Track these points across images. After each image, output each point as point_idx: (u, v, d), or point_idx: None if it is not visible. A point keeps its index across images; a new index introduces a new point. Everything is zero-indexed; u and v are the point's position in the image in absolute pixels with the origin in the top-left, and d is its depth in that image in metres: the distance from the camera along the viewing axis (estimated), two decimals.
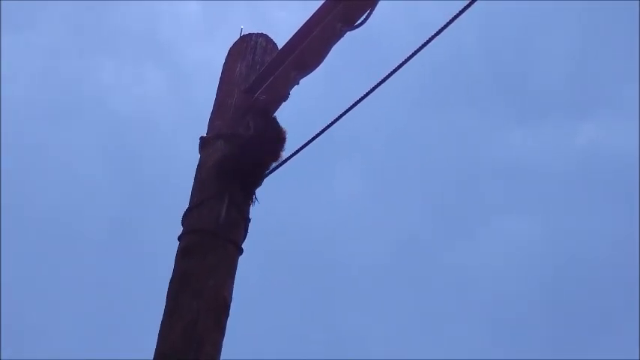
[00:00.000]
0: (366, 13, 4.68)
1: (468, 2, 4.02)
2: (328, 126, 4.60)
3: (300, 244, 22.75)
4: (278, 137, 4.92)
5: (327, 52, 4.84)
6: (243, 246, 4.71)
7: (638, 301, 20.33)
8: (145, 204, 22.87)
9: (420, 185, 24.91)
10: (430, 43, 4.24)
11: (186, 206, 4.80)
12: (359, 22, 4.72)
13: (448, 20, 4.09)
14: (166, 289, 4.51)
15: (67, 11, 24.75)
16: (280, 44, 5.24)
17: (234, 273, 4.60)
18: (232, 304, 4.50)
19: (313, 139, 4.71)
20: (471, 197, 24.50)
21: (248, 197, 4.85)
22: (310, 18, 4.90)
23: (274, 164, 4.90)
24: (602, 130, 25.17)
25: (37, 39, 24.45)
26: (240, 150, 4.84)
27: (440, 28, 4.12)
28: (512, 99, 25.94)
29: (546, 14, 25.18)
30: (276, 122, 4.99)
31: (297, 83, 4.94)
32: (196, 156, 5.08)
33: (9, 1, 21.79)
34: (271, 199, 5.00)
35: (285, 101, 4.95)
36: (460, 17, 4.08)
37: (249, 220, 4.79)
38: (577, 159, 24.75)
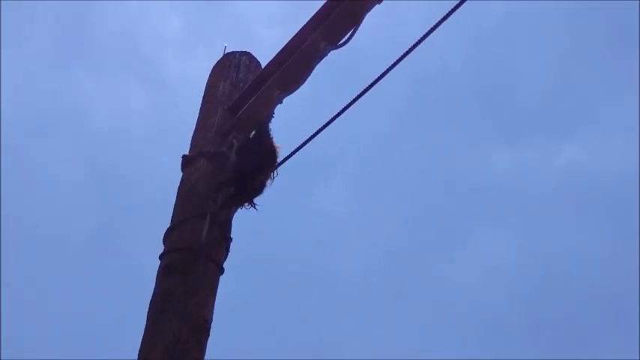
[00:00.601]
0: (350, 32, 4.67)
1: (444, 15, 4.01)
2: (311, 137, 4.54)
3: (286, 257, 22.76)
4: (272, 149, 4.87)
5: (311, 71, 4.82)
6: (224, 265, 4.67)
7: (617, 316, 20.48)
8: (125, 220, 22.78)
9: (403, 200, 24.97)
10: (416, 61, 4.22)
11: (168, 224, 4.76)
12: (343, 41, 4.71)
13: (425, 33, 4.07)
14: (147, 308, 4.46)
15: (49, 24, 24.70)
16: (264, 62, 5.22)
17: (215, 292, 4.56)
18: (217, 320, 4.47)
19: (297, 149, 4.64)
20: (453, 213, 24.57)
21: (230, 216, 4.82)
22: (294, 37, 4.89)
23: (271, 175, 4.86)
24: (583, 150, 25.33)
25: (19, 52, 24.34)
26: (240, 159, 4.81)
27: (416, 41, 4.11)
28: (495, 117, 26.10)
29: (529, 35, 25.38)
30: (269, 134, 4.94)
31: (281, 102, 4.91)
32: (178, 172, 5.05)
33: None
34: (257, 212, 4.96)
35: (269, 121, 4.91)
36: (446, 36, 4.08)
37: (230, 239, 4.76)
38: (558, 178, 24.90)
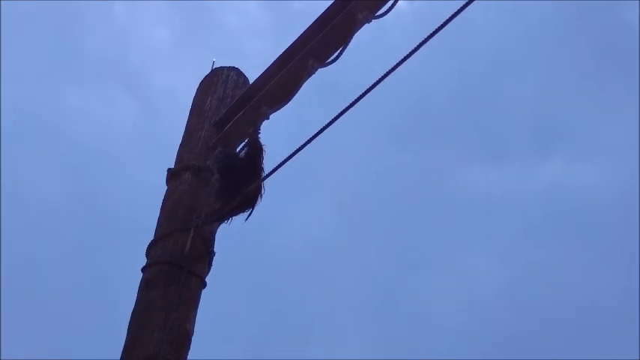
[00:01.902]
0: (338, 51, 4.69)
1: (429, 34, 4.03)
2: (294, 153, 4.50)
3: (267, 272, 22.67)
4: (259, 166, 4.86)
5: (299, 88, 4.82)
6: (206, 279, 4.67)
7: (601, 336, 20.55)
8: (108, 232, 22.68)
9: (386, 218, 25.00)
10: (402, 79, 4.24)
11: (151, 237, 4.76)
12: (331, 59, 4.72)
13: (409, 51, 4.09)
14: (128, 321, 4.46)
15: (36, 35, 24.63)
16: (251, 73, 5.24)
17: (197, 306, 4.56)
18: (196, 336, 4.46)
19: (280, 165, 4.61)
20: (435, 232, 24.62)
21: (214, 231, 4.82)
22: (282, 53, 4.91)
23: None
24: (566, 170, 25.46)
25: (4, 63, 24.24)
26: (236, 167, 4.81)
27: (400, 60, 4.12)
28: (479, 136, 26.23)
29: (514, 56, 25.57)
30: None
31: (267, 118, 4.92)
32: (162, 184, 5.05)
33: None
34: (239, 230, 4.97)
35: (257, 137, 4.90)
36: (432, 55, 4.10)
37: (213, 253, 4.76)
38: (540, 197, 24.99)
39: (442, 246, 24.57)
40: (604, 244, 23.32)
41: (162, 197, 4.98)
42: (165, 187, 5.02)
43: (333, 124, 4.32)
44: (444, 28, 3.94)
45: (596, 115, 25.03)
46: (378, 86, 4.18)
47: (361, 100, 4.25)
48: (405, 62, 4.08)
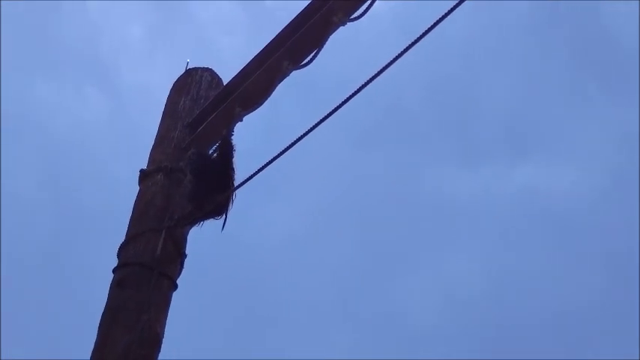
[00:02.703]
0: (313, 53, 4.68)
1: (410, 43, 4.02)
2: (270, 161, 4.51)
3: (237, 274, 22.63)
4: (230, 169, 4.84)
5: (273, 90, 4.81)
6: (178, 281, 4.65)
7: (573, 337, 20.71)
8: (79, 231, 22.54)
9: (358, 219, 25.03)
10: (376, 81, 4.22)
11: (122, 231, 4.74)
12: (306, 61, 4.72)
13: (388, 62, 4.08)
14: (98, 321, 4.43)
15: (8, 28, 24.41)
16: (223, 69, 5.22)
17: (168, 308, 4.54)
18: (166, 339, 4.43)
19: (257, 172, 4.59)
20: (411, 235, 24.68)
21: (186, 233, 4.79)
22: (257, 55, 4.90)
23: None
24: (538, 173, 25.63)
25: None
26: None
27: (379, 70, 4.11)
28: (453, 139, 26.33)
29: (489, 59, 25.70)
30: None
31: (241, 120, 4.89)
32: (133, 182, 5.02)
33: None
34: (210, 234, 4.95)
35: (230, 138, 4.87)
36: (407, 57, 4.09)
37: (185, 255, 4.74)
38: (513, 200, 25.13)
39: (416, 247, 24.68)
40: (577, 246, 23.52)
41: (131, 190, 4.96)
42: (137, 185, 4.99)
43: (306, 126, 4.32)
44: (418, 29, 3.94)
45: (571, 118, 25.26)
46: (349, 86, 4.18)
47: (332, 101, 4.24)
48: (377, 63, 4.08)
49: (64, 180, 24.07)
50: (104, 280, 4.68)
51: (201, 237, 4.87)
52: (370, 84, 4.15)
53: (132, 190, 5.05)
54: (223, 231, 4.82)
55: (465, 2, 3.80)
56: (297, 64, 4.72)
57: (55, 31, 25.72)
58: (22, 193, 23.29)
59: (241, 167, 4.82)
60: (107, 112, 25.99)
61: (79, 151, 24.73)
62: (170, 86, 5.48)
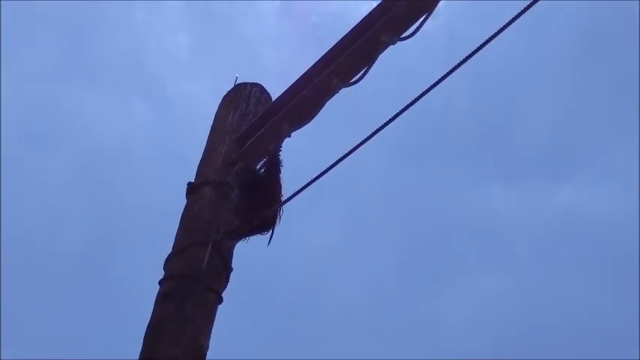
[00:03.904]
0: (363, 71, 4.69)
1: (460, 61, 4.03)
2: (318, 177, 4.50)
3: (277, 289, 22.64)
4: (278, 185, 4.87)
5: (321, 107, 4.83)
6: (223, 295, 4.67)
7: None
8: (121, 240, 22.69)
9: (397, 235, 24.95)
10: (420, 100, 4.23)
11: (162, 247, 4.78)
12: (355, 79, 4.73)
13: (434, 82, 4.09)
14: (143, 333, 4.46)
15: (55, 38, 24.75)
16: (269, 85, 5.26)
17: (213, 321, 4.55)
18: (210, 353, 4.45)
19: (303, 188, 4.60)
20: (448, 252, 24.57)
21: (232, 246, 4.82)
22: (306, 71, 4.92)
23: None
24: (580, 193, 25.40)
25: (23, 65, 24.37)
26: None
27: (429, 86, 4.12)
28: (494, 158, 26.20)
29: (531, 79, 25.55)
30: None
31: (289, 136, 4.92)
32: (175, 192, 5.06)
33: None
34: (253, 246, 4.97)
35: (278, 154, 4.90)
36: (450, 77, 4.09)
37: (231, 269, 4.76)
38: (553, 220, 24.92)
39: (454, 264, 24.55)
40: (616, 267, 23.24)
41: (173, 201, 4.99)
42: (180, 196, 5.05)
43: (352, 143, 4.33)
44: (462, 46, 3.95)
45: (614, 138, 24.98)
46: (394, 103, 4.19)
47: (377, 117, 4.25)
48: (424, 81, 4.10)
49: (107, 190, 24.27)
50: (143, 290, 4.71)
51: (243, 250, 4.90)
52: (418, 103, 4.16)
53: (174, 200, 5.10)
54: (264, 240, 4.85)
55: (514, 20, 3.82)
56: (346, 81, 4.73)
57: (100, 41, 25.98)
58: (65, 203, 23.53)
59: (288, 183, 4.85)
60: (151, 123, 26.20)
61: (122, 159, 24.95)
62: (214, 97, 5.52)
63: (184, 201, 5.01)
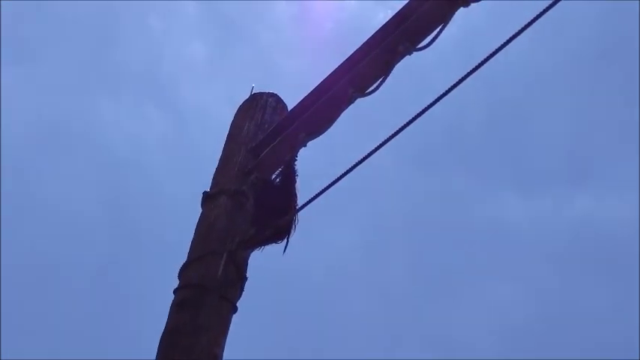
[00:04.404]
0: (379, 81, 4.69)
1: (473, 67, 4.02)
2: (332, 183, 4.50)
3: (293, 300, 22.63)
4: (294, 193, 4.87)
5: (338, 116, 4.82)
6: (238, 304, 4.67)
7: None
8: (136, 249, 22.75)
9: (412, 243, 24.91)
10: (435, 106, 4.22)
11: (177, 256, 4.77)
12: (371, 89, 4.73)
13: (448, 87, 4.10)
14: (157, 342, 4.46)
15: (70, 47, 24.87)
16: (285, 93, 5.26)
17: (227, 331, 4.55)
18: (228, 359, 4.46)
19: (317, 196, 4.60)
20: (463, 259, 24.49)
21: (247, 256, 4.82)
22: (323, 81, 4.91)
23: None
24: (596, 202, 25.28)
25: (38, 74, 24.51)
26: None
27: (443, 92, 4.12)
28: (510, 166, 26.13)
29: (547, 86, 25.48)
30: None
31: (305, 145, 4.92)
32: (191, 201, 5.06)
33: (11, 35, 21.88)
34: (268, 255, 4.96)
35: (294, 164, 4.91)
36: (465, 85, 4.09)
37: (246, 279, 4.75)
38: (569, 229, 24.83)
39: (470, 272, 24.46)
40: (632, 277, 23.09)
41: (188, 210, 4.99)
42: (194, 205, 5.05)
43: (363, 150, 4.33)
44: (476, 53, 3.94)
45: (631, 148, 24.85)
46: (408, 110, 4.19)
47: (390, 124, 4.25)
48: (437, 87, 4.10)
49: (122, 198, 24.34)
50: (158, 298, 4.71)
51: (259, 258, 4.89)
52: (432, 109, 4.16)
53: (189, 209, 5.10)
54: (277, 250, 4.86)
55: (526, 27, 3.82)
56: (362, 91, 4.73)
57: (116, 49, 26.10)
58: (81, 211, 23.61)
59: (303, 192, 4.86)
60: (167, 132, 26.26)
61: (138, 168, 25.02)
62: (230, 107, 5.53)
63: (199, 210, 5.02)
